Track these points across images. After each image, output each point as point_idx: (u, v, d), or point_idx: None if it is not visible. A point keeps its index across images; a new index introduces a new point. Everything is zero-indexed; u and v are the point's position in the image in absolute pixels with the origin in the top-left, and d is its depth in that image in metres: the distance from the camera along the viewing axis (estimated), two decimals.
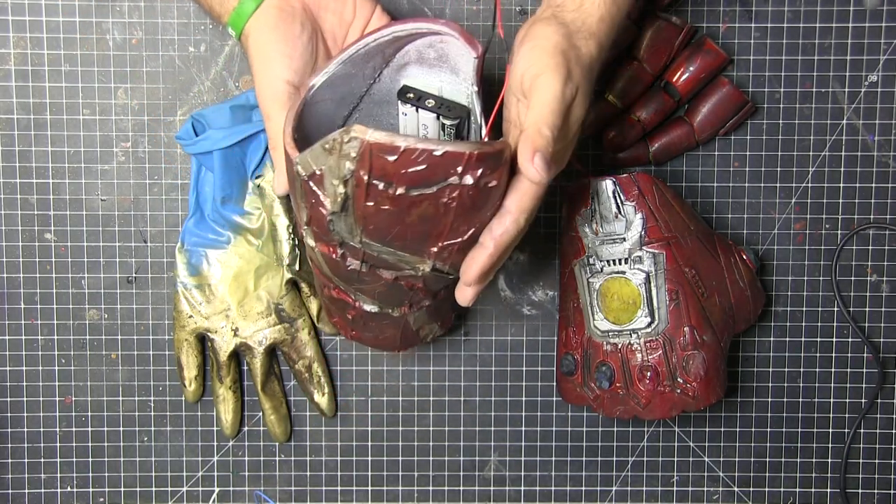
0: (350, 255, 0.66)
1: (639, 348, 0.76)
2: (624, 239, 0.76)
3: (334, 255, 0.67)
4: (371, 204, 0.61)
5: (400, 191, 0.60)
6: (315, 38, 0.73)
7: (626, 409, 0.77)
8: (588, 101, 0.66)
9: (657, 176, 0.82)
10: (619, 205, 0.76)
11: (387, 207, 0.61)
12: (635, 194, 0.76)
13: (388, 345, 0.78)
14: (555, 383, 0.85)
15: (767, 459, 0.86)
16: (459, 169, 0.59)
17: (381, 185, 0.60)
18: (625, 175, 0.76)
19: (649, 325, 0.76)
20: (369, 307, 0.73)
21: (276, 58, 0.71)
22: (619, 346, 0.77)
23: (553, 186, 0.82)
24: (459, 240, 0.64)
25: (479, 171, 0.60)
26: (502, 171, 0.61)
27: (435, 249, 0.65)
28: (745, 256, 0.80)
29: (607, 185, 0.76)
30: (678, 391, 0.76)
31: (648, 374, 0.76)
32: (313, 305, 0.83)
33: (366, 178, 0.60)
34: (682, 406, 0.76)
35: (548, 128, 0.61)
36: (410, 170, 0.59)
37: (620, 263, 0.76)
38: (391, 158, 0.58)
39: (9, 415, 0.85)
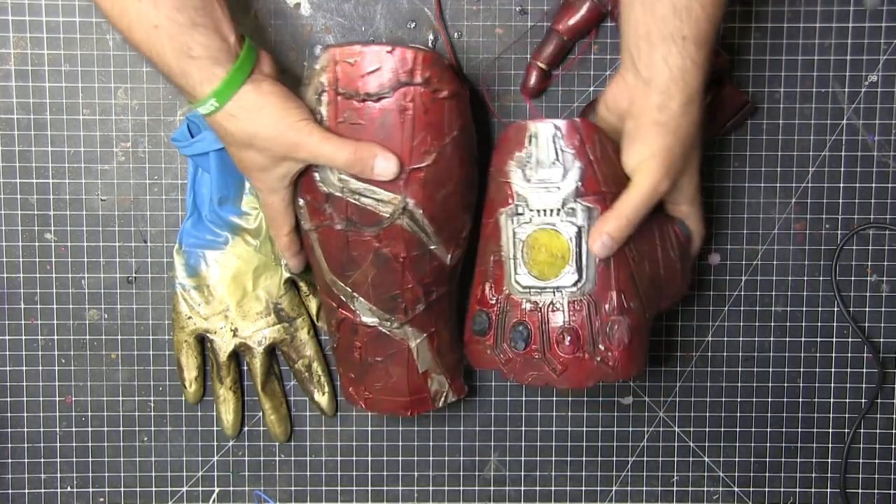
0: (336, 213, 0.72)
1: (561, 308, 0.72)
2: (559, 188, 0.72)
3: (323, 218, 0.73)
4: (342, 121, 0.71)
5: (364, 96, 0.70)
6: None
7: (539, 376, 0.73)
8: (695, 163, 0.74)
9: None
10: (559, 151, 0.72)
11: (356, 122, 0.70)
12: (577, 142, 0.71)
13: (398, 393, 0.77)
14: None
15: (767, 459, 0.86)
16: (409, 68, 0.70)
17: (347, 96, 0.70)
18: (567, 120, 0.72)
19: (575, 283, 0.71)
20: (368, 318, 0.75)
21: (296, 105, 0.71)
22: (540, 304, 0.72)
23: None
24: (424, 165, 0.71)
25: (428, 73, 0.70)
26: (452, 82, 0.71)
27: (403, 178, 0.71)
28: (677, 228, 0.76)
29: (549, 128, 0.72)
30: (598, 359, 0.71)
31: (568, 337, 0.71)
32: (312, 304, 0.83)
33: (334, 91, 0.70)
34: (599, 375, 0.72)
35: (626, 218, 0.70)
36: (369, 70, 0.70)
37: (551, 214, 0.72)
38: (351, 61, 0.70)
39: (9, 415, 0.85)
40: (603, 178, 0.72)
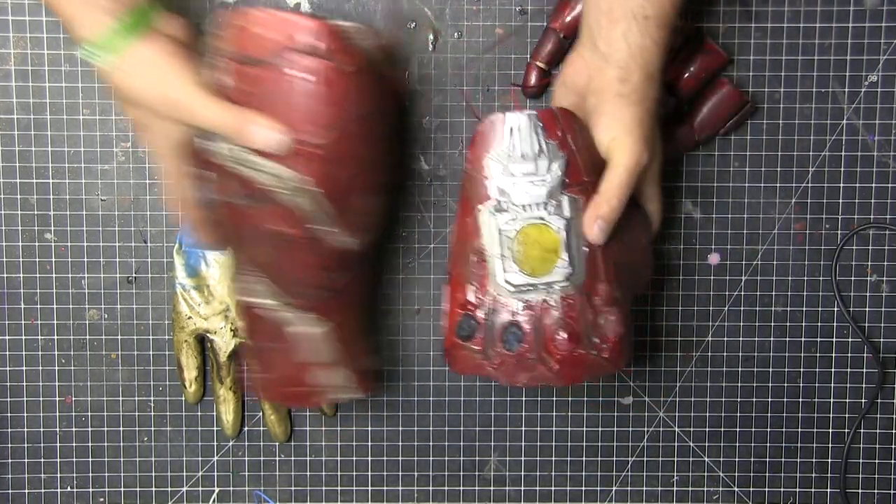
0: (234, 186, 0.68)
1: (555, 305, 0.70)
2: (544, 181, 0.69)
3: (222, 191, 0.69)
4: (239, 88, 0.66)
5: (265, 64, 0.65)
6: None
7: (534, 376, 0.71)
8: (659, 140, 0.74)
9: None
10: (542, 143, 0.69)
11: (253, 91, 0.66)
12: (558, 132, 0.69)
13: (298, 383, 0.74)
14: (441, 352, 0.79)
15: (767, 459, 0.86)
16: (310, 38, 0.65)
17: (243, 63, 0.66)
18: (546, 110, 0.70)
19: (568, 276, 0.70)
20: (269, 301, 0.71)
21: (188, 66, 0.69)
22: (533, 303, 0.70)
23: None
24: (323, 142, 0.66)
25: (335, 46, 0.65)
26: (361, 59, 0.67)
27: (300, 153, 0.66)
28: (646, 216, 0.75)
29: (530, 119, 0.69)
30: (593, 352, 0.70)
31: (565, 333, 0.69)
32: None
33: (233, 56, 0.66)
34: (595, 369, 0.70)
35: (616, 199, 0.69)
36: (269, 37, 0.65)
37: (538, 208, 0.69)
38: (254, 26, 0.65)
39: (9, 415, 0.85)
40: (585, 167, 0.70)
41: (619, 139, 0.70)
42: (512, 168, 0.69)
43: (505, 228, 0.70)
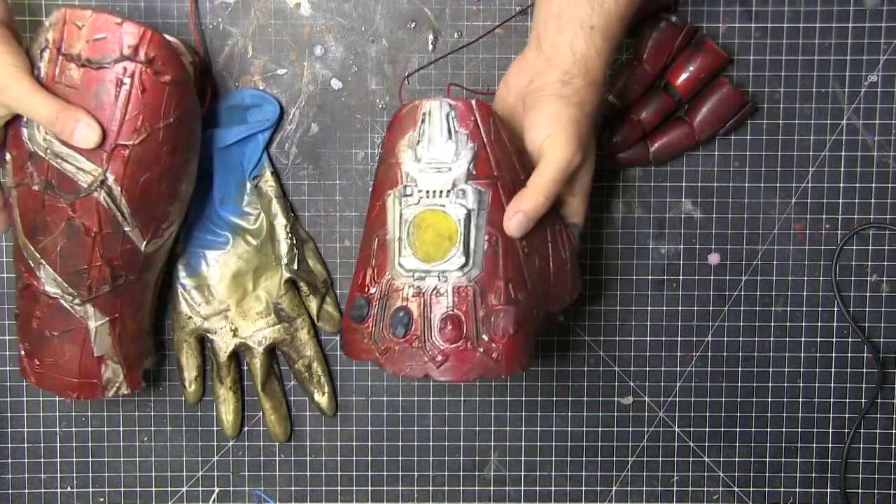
0: (37, 173, 0.71)
1: (445, 293, 0.68)
2: (450, 168, 0.69)
3: (24, 177, 0.71)
4: (58, 81, 0.69)
5: (84, 61, 0.68)
6: None
7: (417, 367, 0.69)
8: (594, 148, 0.74)
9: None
10: (452, 130, 0.69)
11: (70, 86, 0.69)
12: (471, 122, 0.69)
13: (69, 373, 0.75)
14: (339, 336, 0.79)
15: (767, 459, 0.86)
16: (135, 44, 0.68)
17: (68, 58, 0.69)
18: (462, 100, 0.69)
19: (462, 267, 0.68)
20: (51, 289, 0.73)
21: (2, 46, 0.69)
22: (424, 289, 0.69)
23: None
24: (131, 143, 0.69)
25: (153, 53, 0.69)
26: (178, 68, 0.70)
27: (107, 151, 0.70)
28: (569, 230, 0.74)
29: (443, 106, 0.69)
30: (481, 350, 0.68)
31: (450, 324, 0.68)
32: (313, 304, 0.83)
33: (57, 50, 0.69)
34: (482, 369, 0.68)
35: (543, 195, 0.68)
36: (96, 37, 0.68)
37: (441, 196, 0.69)
38: (80, 24, 0.68)
39: (9, 415, 0.85)
40: (496, 161, 0.69)
41: (554, 137, 0.69)
42: (420, 154, 0.70)
43: (405, 213, 0.70)
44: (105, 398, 0.77)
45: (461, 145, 0.69)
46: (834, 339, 0.85)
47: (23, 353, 0.77)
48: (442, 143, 0.69)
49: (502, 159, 0.70)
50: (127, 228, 0.72)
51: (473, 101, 0.69)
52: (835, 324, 0.85)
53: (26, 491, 0.86)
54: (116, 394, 0.77)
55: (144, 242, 0.74)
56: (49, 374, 0.76)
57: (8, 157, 0.73)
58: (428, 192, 0.69)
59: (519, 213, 0.68)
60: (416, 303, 0.69)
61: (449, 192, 0.69)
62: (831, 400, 0.86)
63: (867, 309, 0.85)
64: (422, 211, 0.69)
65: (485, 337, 0.68)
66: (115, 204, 0.71)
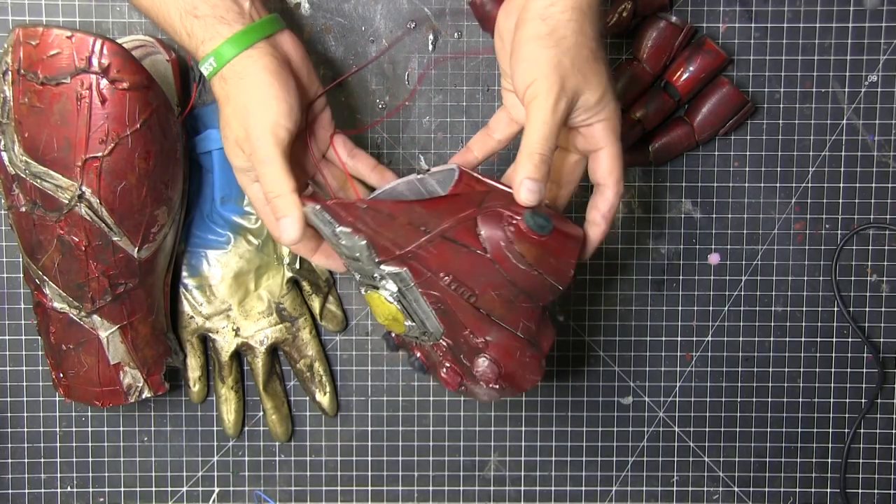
0: (22, 194, 0.72)
1: (430, 350, 0.73)
2: (359, 261, 0.67)
3: (13, 199, 0.73)
4: (24, 102, 0.70)
5: (43, 80, 0.69)
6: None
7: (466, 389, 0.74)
8: (603, 84, 0.66)
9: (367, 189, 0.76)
10: (336, 233, 0.66)
11: (35, 105, 0.69)
12: (348, 220, 0.66)
13: (90, 383, 0.77)
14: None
15: (767, 459, 0.86)
16: (87, 55, 0.68)
17: (28, 76, 0.69)
18: (331, 201, 0.67)
19: (423, 333, 0.70)
20: (59, 304, 0.75)
21: (277, 104, 0.67)
22: (415, 345, 0.74)
23: None
24: (101, 154, 0.70)
25: (108, 62, 0.69)
26: (136, 73, 0.70)
27: (80, 164, 0.70)
28: (521, 229, 0.65)
29: (316, 211, 0.66)
30: (483, 386, 0.71)
31: (445, 369, 0.72)
32: (315, 304, 0.83)
33: (16, 72, 0.69)
34: (497, 396, 0.72)
35: (541, 153, 0.64)
36: (50, 53, 0.69)
37: (374, 279, 0.68)
38: (34, 43, 0.69)
39: (9, 415, 0.85)
40: (392, 242, 0.66)
41: (534, 87, 0.64)
42: (339, 250, 0.69)
43: (362, 291, 0.72)
44: (129, 403, 0.78)
45: (353, 241, 0.66)
46: (834, 339, 0.85)
47: (50, 367, 0.78)
48: (339, 243, 0.67)
49: (398, 236, 0.66)
50: (115, 238, 0.73)
51: (335, 203, 0.67)
52: (835, 324, 0.85)
53: (26, 491, 0.86)
54: (139, 398, 0.78)
55: (136, 249, 0.74)
56: (74, 386, 0.77)
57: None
58: (361, 279, 0.70)
59: (525, 182, 0.64)
60: (420, 352, 0.74)
61: (373, 278, 0.68)
62: (831, 400, 0.86)
63: (867, 309, 0.85)
64: (367, 294, 0.71)
65: (476, 374, 0.70)
66: (97, 216, 0.72)
